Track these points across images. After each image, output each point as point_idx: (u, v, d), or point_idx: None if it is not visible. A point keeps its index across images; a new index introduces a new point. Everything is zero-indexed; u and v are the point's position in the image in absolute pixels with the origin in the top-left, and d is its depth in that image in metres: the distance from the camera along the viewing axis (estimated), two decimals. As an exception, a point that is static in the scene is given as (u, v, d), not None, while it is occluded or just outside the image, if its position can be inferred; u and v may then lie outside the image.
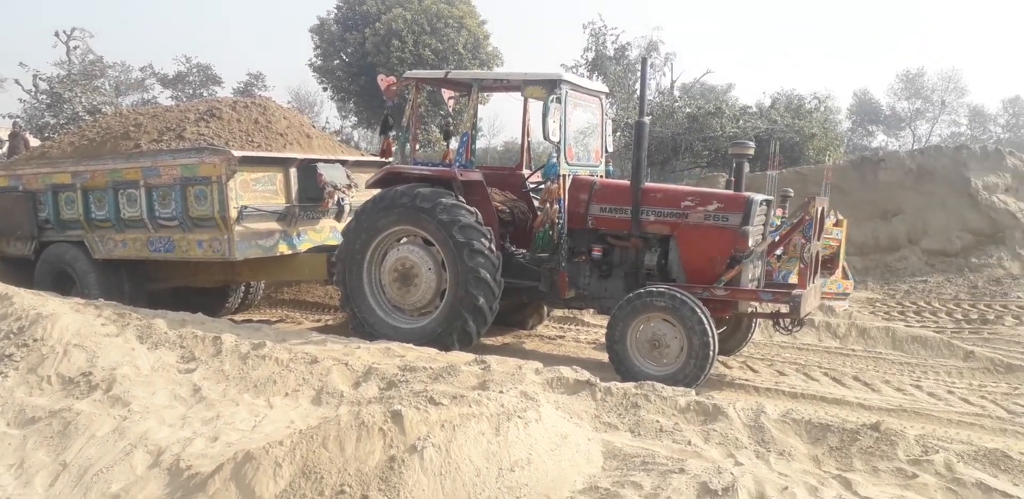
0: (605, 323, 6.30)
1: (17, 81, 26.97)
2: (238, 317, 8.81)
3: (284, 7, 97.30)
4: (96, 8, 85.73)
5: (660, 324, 5.81)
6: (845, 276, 8.75)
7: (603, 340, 6.40)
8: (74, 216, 7.90)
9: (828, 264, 8.14)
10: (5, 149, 17.37)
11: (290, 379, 4.92)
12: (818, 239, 6.29)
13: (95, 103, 25.61)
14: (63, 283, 8.08)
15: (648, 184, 6.51)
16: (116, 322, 5.80)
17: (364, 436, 3.46)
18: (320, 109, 46.33)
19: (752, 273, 6.23)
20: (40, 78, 26.71)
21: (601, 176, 7.27)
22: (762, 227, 6.38)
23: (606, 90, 7.56)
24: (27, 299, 5.74)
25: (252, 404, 4.60)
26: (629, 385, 4.65)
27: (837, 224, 8.46)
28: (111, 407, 4.37)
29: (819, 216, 6.20)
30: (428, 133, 25.55)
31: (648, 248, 6.41)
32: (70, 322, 5.31)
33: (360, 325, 6.84)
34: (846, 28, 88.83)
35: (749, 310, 6.34)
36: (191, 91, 38.19)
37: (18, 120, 19.19)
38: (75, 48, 31.63)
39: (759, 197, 6.23)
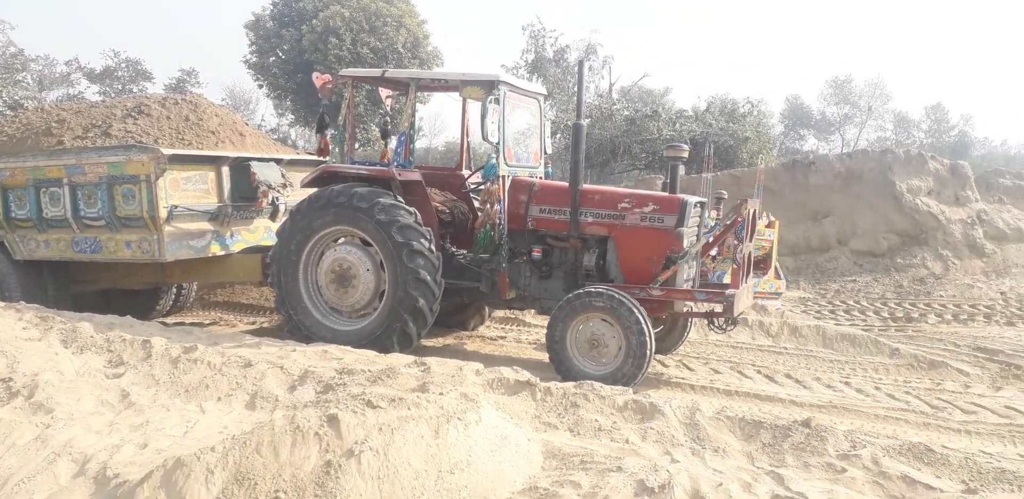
0: (546, 323, 6.34)
1: (-71, 73, 25.60)
2: (169, 320, 8.56)
3: (219, 2, 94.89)
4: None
5: (599, 324, 5.87)
6: (777, 276, 8.98)
7: (544, 340, 6.43)
8: (-8, 216, 7.54)
9: (761, 264, 8.34)
10: None
11: (223, 383, 4.80)
12: (750, 240, 6.45)
13: (16, 97, 24.52)
14: (-20, 285, 7.71)
15: (586, 186, 6.57)
16: (38, 326, 5.57)
17: (299, 441, 3.40)
18: (256, 107, 45.38)
19: (687, 273, 6.35)
20: (-45, 70, 25.43)
21: (540, 177, 7.30)
22: (696, 228, 6.51)
23: (544, 92, 7.60)
24: (-60, 303, 5.46)
25: (183, 409, 4.47)
26: (569, 385, 4.68)
27: (769, 225, 8.67)
28: (33, 414, 4.18)
29: (751, 218, 6.36)
30: (367, 132, 25.28)
31: (587, 249, 6.47)
32: (-13, 326, 5.07)
33: (296, 327, 6.71)
34: (779, 33, 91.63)
35: (685, 310, 6.46)
36: (120, 87, 36.95)
37: None
38: (-6, 40, 30.21)
39: (693, 199, 6.35)
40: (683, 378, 6.42)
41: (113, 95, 35.72)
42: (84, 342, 5.34)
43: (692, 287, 6.39)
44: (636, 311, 5.71)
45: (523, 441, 3.95)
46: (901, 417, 5.51)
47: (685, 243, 6.07)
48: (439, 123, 49.99)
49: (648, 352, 5.70)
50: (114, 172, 6.89)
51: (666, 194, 6.49)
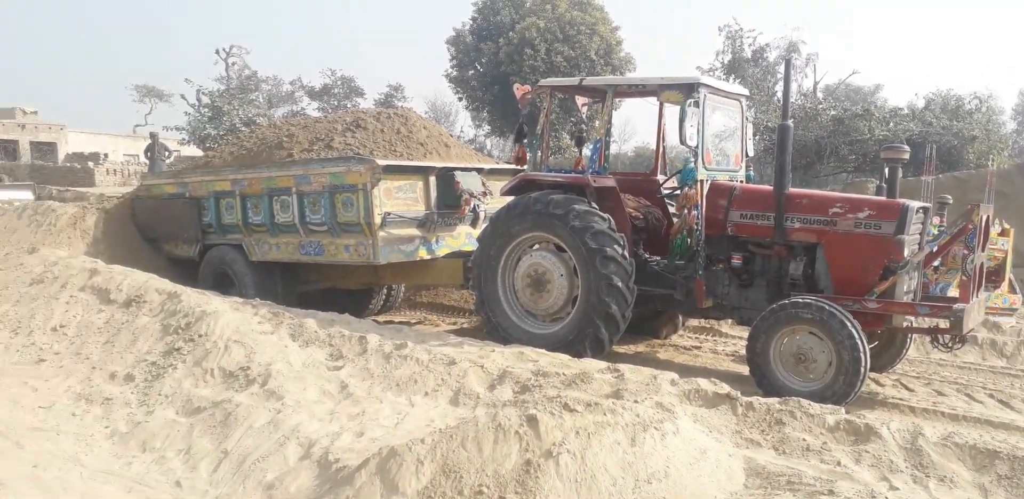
0: (745, 334, 6.09)
1: (183, 96, 29.44)
2: (380, 318, 9.16)
3: (422, 21, 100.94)
4: (253, 26, 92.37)
5: (806, 337, 5.54)
6: (1012, 290, 8.06)
7: (742, 352, 6.18)
8: (233, 221, 8.49)
9: (992, 277, 7.53)
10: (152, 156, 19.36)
11: (430, 379, 5.07)
12: (982, 250, 5.81)
13: (250, 115, 27.60)
14: (223, 283, 8.67)
15: (793, 190, 6.24)
16: (271, 321, 6.17)
17: (501, 439, 3.52)
18: (455, 118, 47.72)
19: (908, 285, 5.84)
20: (203, 93, 29.03)
21: (741, 181, 7.05)
22: (919, 236, 5.97)
23: (746, 93, 7.32)
24: (193, 297, 6.22)
25: (395, 402, 4.78)
26: (773, 400, 4.47)
27: (1003, 234, 7.85)
28: (266, 400, 4.65)
29: (983, 225, 5.72)
30: (557, 140, 25.71)
31: (793, 257, 6.14)
32: (230, 320, 5.71)
33: (494, 329, 6.94)
34: (1008, 18, 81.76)
35: (904, 325, 5.94)
36: (335, 102, 40.35)
37: (152, 131, 21.35)
38: (233, 64, 34.25)
39: (916, 204, 5.83)
40: (901, 399, 5.89)
41: (330, 110, 39.08)
42: (309, 336, 5.86)
43: (913, 300, 5.86)
44: (849, 324, 5.32)
45: (723, 456, 3.82)
46: None
47: (906, 252, 5.58)
48: (629, 128, 49.77)
49: (862, 369, 5.30)
50: (335, 182, 7.52)
51: (883, 198, 6.01)
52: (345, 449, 4.00)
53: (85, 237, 9.09)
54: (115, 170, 27.15)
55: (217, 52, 34.58)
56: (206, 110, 28.29)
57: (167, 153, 20.36)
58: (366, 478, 3.48)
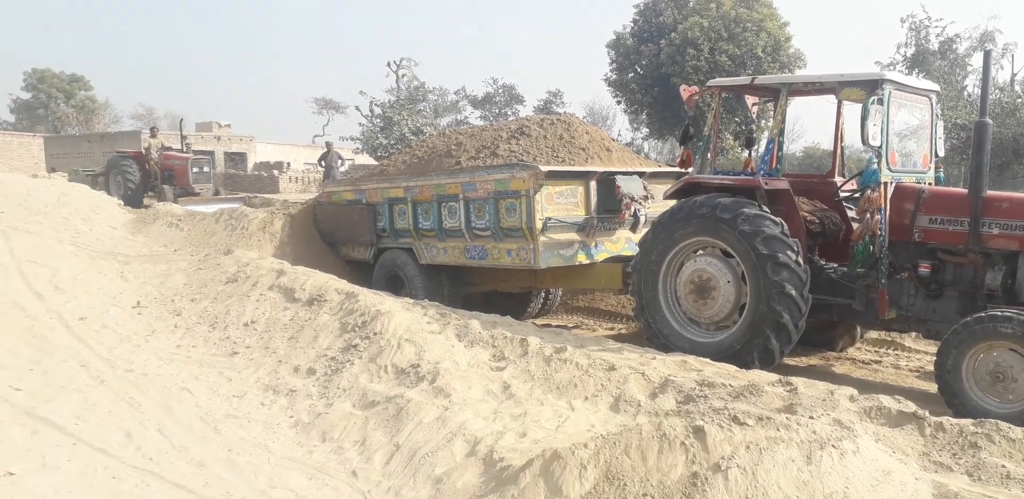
0: (931, 349, 5.62)
1: (357, 108, 31.27)
2: (538, 321, 9.29)
3: (575, 28, 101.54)
4: (422, 38, 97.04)
5: (1005, 354, 5.02)
6: None
7: (929, 368, 5.72)
8: (405, 226, 8.91)
9: None
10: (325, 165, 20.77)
11: (589, 384, 5.07)
12: None
13: (418, 124, 28.88)
14: (395, 284, 9.13)
15: (991, 193, 5.69)
16: (438, 321, 6.41)
17: (666, 449, 3.46)
18: (612, 122, 47.54)
19: None
20: (375, 104, 30.70)
21: (930, 183, 6.52)
22: None
23: (937, 88, 6.76)
24: (369, 298, 6.59)
25: (555, 405, 4.82)
26: (966, 421, 4.09)
27: None
28: (435, 397, 4.84)
29: None
30: (720, 141, 24.93)
31: (990, 266, 5.59)
32: (402, 319, 5.99)
33: (654, 336, 6.83)
34: None
35: None
36: (497, 110, 41.38)
37: (328, 141, 22.89)
38: (403, 76, 35.86)
39: None
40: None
41: (491, 118, 40.17)
42: (473, 337, 6.03)
43: None
44: (1058, 342, 4.77)
45: (909, 479, 3.54)
46: None
47: None
48: (798, 127, 47.38)
49: (1073, 392, 4.73)
50: (500, 188, 7.71)
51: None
52: (508, 448, 4.08)
53: (273, 240, 9.89)
54: (296, 178, 29.31)
55: (388, 65, 36.38)
56: (378, 121, 29.88)
57: (340, 161, 21.80)
58: (530, 479, 3.53)
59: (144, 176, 18.18)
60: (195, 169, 18.38)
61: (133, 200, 16.78)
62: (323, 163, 21.46)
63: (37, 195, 10.73)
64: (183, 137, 20.84)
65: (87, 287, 7.47)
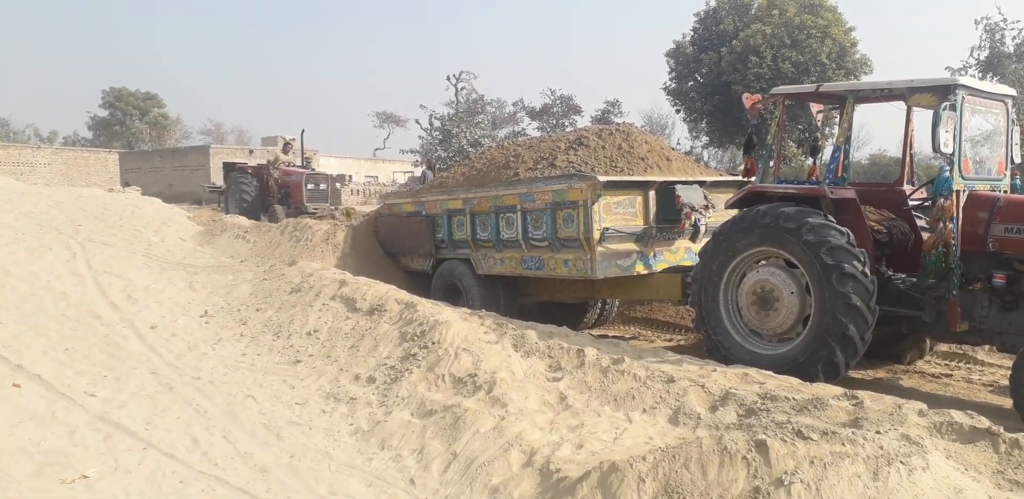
0: (1006, 363, 5.39)
1: (417, 121, 31.72)
2: (595, 332, 9.23)
3: (637, 36, 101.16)
4: (481, 52, 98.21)
5: (1088, 370, 4.78)
6: None
7: (1004, 383, 5.47)
8: (463, 237, 8.99)
9: None
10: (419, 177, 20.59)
11: (647, 396, 5.01)
12: None
13: (476, 137, 29.13)
14: (452, 294, 9.18)
15: (1071, 200, 5.45)
16: (495, 331, 6.43)
17: (727, 463, 3.40)
18: (671, 131, 47.06)
19: None
20: (435, 117, 31.10)
21: (1005, 191, 6.27)
22: None
23: (1013, 93, 6.51)
24: (427, 307, 6.66)
25: (612, 416, 4.78)
26: (1045, 440, 3.89)
27: None
28: (491, 407, 4.85)
29: None
30: (784, 149, 24.44)
31: (1070, 277, 5.34)
32: (460, 329, 6.04)
33: (715, 348, 6.72)
34: None
35: None
36: (554, 121, 41.42)
37: (428, 158, 22.68)
38: (462, 89, 36.28)
39: None
40: None
41: (549, 129, 40.23)
42: (530, 347, 6.03)
43: None
44: None
45: (983, 498, 3.39)
46: None
47: None
48: (864, 134, 46.03)
49: None
50: (557, 198, 7.72)
51: None
52: (565, 460, 4.06)
53: (335, 251, 10.10)
54: (357, 190, 29.90)
55: (448, 78, 36.84)
56: (437, 134, 30.25)
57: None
58: (587, 491, 3.51)
59: (261, 193, 17.13)
60: (310, 185, 17.30)
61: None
62: (425, 180, 21.01)
63: (112, 208, 11.22)
64: (302, 152, 19.52)
65: (158, 297, 7.76)
